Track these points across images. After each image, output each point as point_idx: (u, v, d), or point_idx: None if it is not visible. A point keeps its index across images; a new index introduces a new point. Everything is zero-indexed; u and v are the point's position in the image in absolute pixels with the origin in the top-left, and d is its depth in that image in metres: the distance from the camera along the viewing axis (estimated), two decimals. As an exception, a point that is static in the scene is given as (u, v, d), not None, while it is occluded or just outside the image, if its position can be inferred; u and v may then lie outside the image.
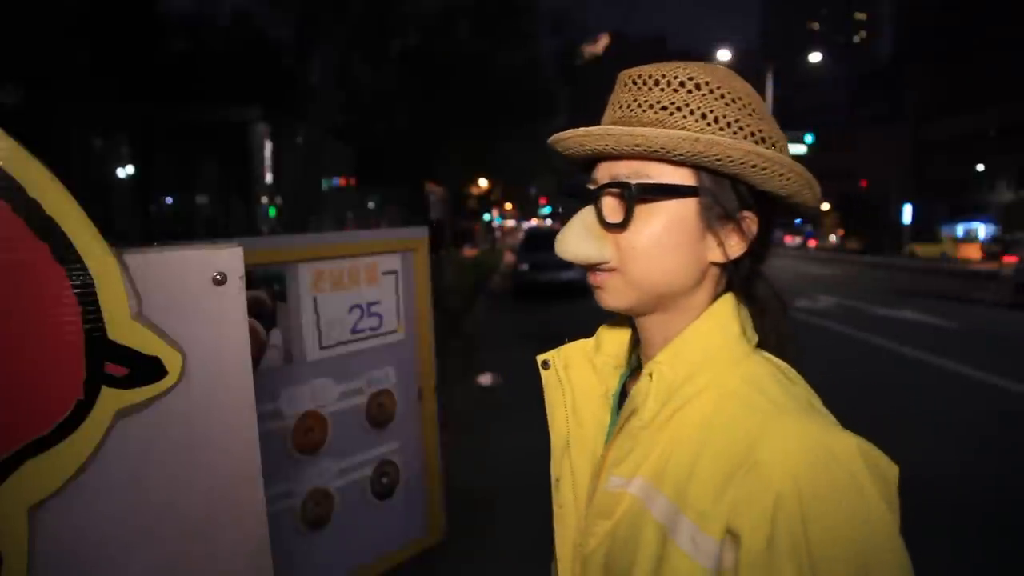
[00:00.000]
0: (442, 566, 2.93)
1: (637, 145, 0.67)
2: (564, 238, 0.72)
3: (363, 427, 2.50)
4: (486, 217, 35.71)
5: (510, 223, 56.66)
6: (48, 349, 0.62)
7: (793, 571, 0.57)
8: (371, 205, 34.74)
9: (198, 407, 0.71)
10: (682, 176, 0.70)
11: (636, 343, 0.83)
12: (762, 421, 0.64)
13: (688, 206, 0.70)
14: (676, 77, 0.69)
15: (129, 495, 0.68)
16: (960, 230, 39.37)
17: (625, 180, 0.70)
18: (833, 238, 50.38)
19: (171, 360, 0.68)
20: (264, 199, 27.75)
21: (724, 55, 26.63)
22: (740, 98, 0.70)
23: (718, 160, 0.67)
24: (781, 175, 0.70)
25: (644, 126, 0.69)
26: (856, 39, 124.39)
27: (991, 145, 37.26)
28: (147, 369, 0.67)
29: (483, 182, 28.44)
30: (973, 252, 29.77)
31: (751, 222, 0.73)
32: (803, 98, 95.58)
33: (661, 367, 0.71)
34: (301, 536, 2.31)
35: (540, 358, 0.86)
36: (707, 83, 0.69)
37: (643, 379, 0.72)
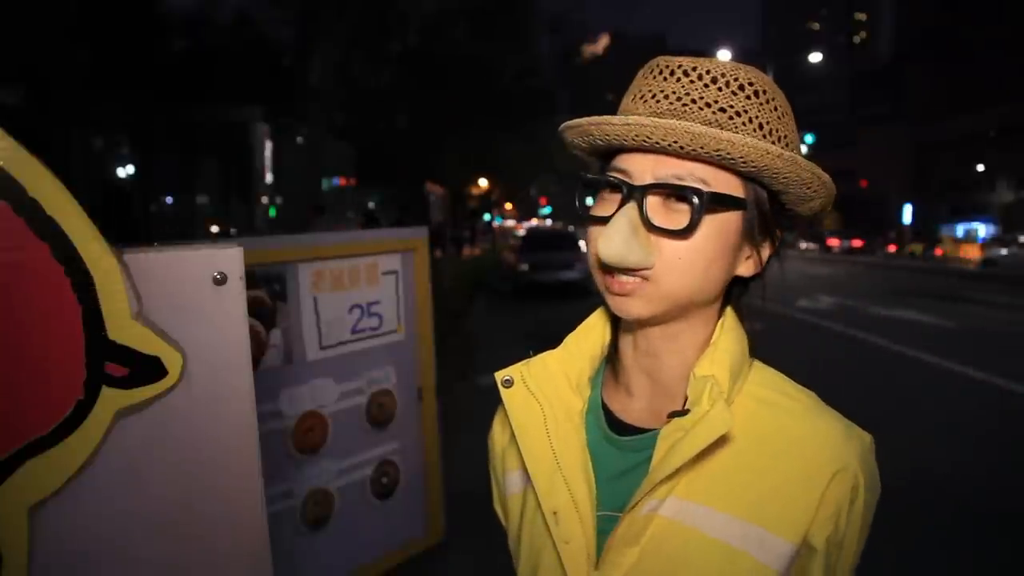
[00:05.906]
0: (442, 566, 2.93)
1: (718, 150, 0.62)
2: (612, 240, 0.63)
3: (363, 427, 2.50)
4: (486, 217, 35.75)
5: (510, 223, 56.60)
6: (48, 349, 0.62)
7: (855, 548, 0.69)
8: (371, 205, 34.83)
9: (198, 407, 0.71)
10: (735, 186, 0.66)
11: (612, 351, 0.79)
12: (815, 424, 0.68)
13: (734, 218, 0.67)
14: (736, 79, 0.65)
15: (129, 495, 0.68)
16: (960, 230, 39.35)
17: (685, 183, 0.64)
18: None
19: (171, 360, 0.68)
20: (264, 199, 27.79)
21: (724, 55, 26.62)
22: (787, 113, 0.68)
23: (785, 178, 0.65)
24: (822, 197, 0.69)
25: (697, 125, 0.62)
26: (856, 39, 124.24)
27: (991, 145, 37.24)
28: (147, 369, 0.66)
29: (483, 182, 28.44)
30: (973, 252, 29.76)
31: (778, 236, 0.72)
32: (803, 98, 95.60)
33: (716, 378, 0.67)
34: (301, 536, 2.31)
35: (500, 376, 0.78)
36: (764, 91, 0.66)
37: (705, 397, 0.65)
